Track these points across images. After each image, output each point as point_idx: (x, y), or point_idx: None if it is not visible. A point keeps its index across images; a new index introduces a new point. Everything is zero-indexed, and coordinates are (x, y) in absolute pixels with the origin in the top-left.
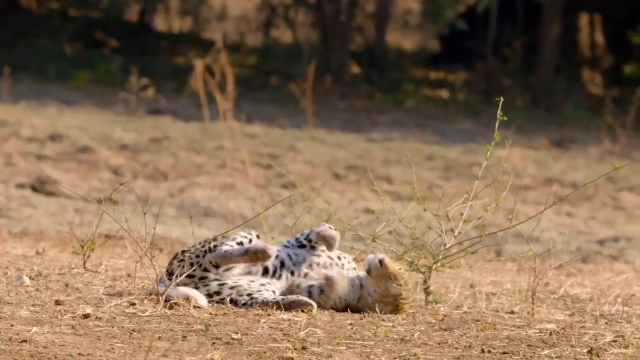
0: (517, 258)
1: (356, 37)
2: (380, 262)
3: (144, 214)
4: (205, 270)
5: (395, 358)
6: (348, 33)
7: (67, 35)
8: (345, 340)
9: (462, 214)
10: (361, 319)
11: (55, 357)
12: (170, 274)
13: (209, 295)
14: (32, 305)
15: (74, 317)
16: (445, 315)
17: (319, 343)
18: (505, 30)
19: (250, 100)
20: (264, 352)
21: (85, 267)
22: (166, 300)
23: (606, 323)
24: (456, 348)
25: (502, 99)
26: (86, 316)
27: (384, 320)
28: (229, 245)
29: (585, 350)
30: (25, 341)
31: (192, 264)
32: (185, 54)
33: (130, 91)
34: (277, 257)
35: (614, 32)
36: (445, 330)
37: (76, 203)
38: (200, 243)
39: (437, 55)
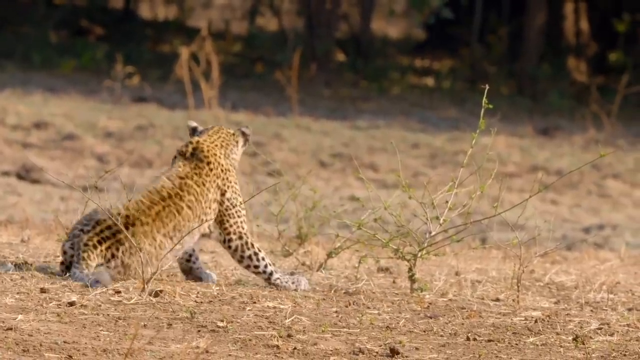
0: (502, 246)
1: (341, 25)
2: None
3: (129, 201)
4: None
5: (381, 345)
6: (333, 21)
7: (52, 23)
8: (330, 328)
9: (447, 202)
10: (346, 306)
11: (41, 345)
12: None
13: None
14: (18, 293)
15: (60, 305)
16: (430, 303)
17: (304, 331)
18: (491, 17)
19: (235, 88)
20: (250, 340)
21: None
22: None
23: (591, 311)
24: (441, 336)
25: (487, 87)
26: (71, 304)
27: (369, 308)
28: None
29: (570, 338)
30: (11, 329)
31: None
32: (171, 41)
33: (115, 79)
34: None
35: (599, 19)
36: (431, 317)
37: (61, 191)
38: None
39: (422, 43)
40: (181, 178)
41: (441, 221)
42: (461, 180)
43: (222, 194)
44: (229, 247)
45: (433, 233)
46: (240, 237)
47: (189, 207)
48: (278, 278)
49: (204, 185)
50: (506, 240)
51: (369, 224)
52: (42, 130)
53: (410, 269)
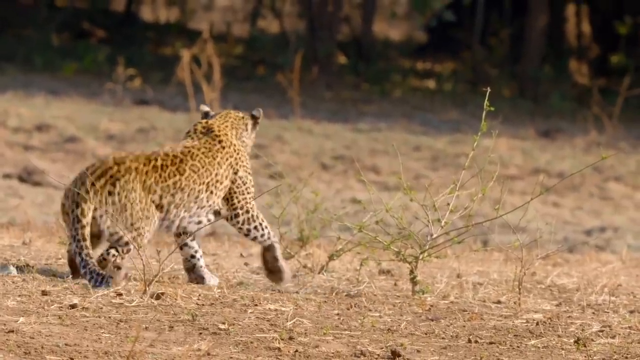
0: (503, 248)
1: (343, 28)
2: None
3: (131, 204)
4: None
5: (382, 348)
6: (335, 23)
7: (54, 26)
8: (332, 331)
9: (448, 204)
10: (348, 309)
11: (42, 348)
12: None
13: None
14: (19, 295)
15: (61, 307)
16: (432, 305)
17: (305, 333)
18: (492, 20)
19: (236, 90)
20: (251, 342)
21: None
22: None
23: (593, 313)
24: (443, 338)
25: (488, 89)
26: (73, 306)
27: (370, 310)
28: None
29: (572, 340)
30: (12, 331)
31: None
32: (172, 44)
33: (117, 81)
34: None
35: (600, 22)
36: (432, 320)
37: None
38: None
39: (424, 46)
40: (185, 147)
41: (443, 223)
42: (463, 183)
43: (235, 173)
44: (237, 221)
45: (434, 235)
46: (247, 212)
47: (193, 171)
48: (277, 249)
49: (214, 159)
50: (508, 242)
51: (371, 226)
52: (44, 132)
53: (411, 272)
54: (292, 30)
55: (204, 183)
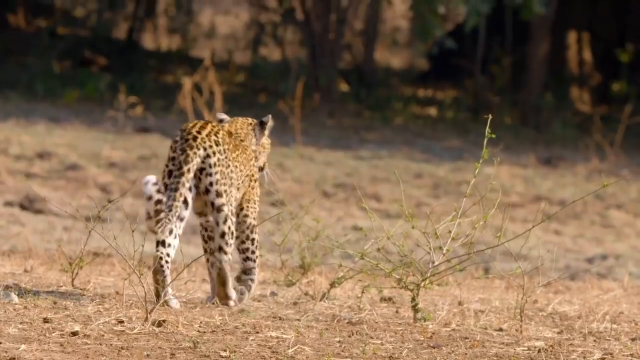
0: (505, 275)
1: (345, 55)
2: None
3: (133, 231)
4: None
5: None
6: (336, 51)
7: (56, 53)
8: (333, 358)
9: (450, 232)
10: (349, 336)
11: None
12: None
13: None
14: (21, 322)
15: (62, 334)
16: (433, 333)
17: None
18: (494, 47)
19: None
20: None
21: (73, 285)
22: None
23: (594, 341)
24: None
25: (490, 117)
26: (74, 334)
27: (372, 337)
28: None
29: None
30: (14, 359)
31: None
32: (174, 72)
33: (118, 109)
34: None
35: (602, 49)
36: (434, 347)
37: (64, 221)
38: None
39: (425, 73)
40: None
41: (444, 251)
42: (464, 210)
43: (251, 177)
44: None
45: (436, 263)
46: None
47: (242, 151)
48: (253, 279)
49: (245, 152)
50: (509, 270)
51: (372, 253)
52: (45, 160)
53: (413, 299)
54: (294, 57)
55: (245, 169)
